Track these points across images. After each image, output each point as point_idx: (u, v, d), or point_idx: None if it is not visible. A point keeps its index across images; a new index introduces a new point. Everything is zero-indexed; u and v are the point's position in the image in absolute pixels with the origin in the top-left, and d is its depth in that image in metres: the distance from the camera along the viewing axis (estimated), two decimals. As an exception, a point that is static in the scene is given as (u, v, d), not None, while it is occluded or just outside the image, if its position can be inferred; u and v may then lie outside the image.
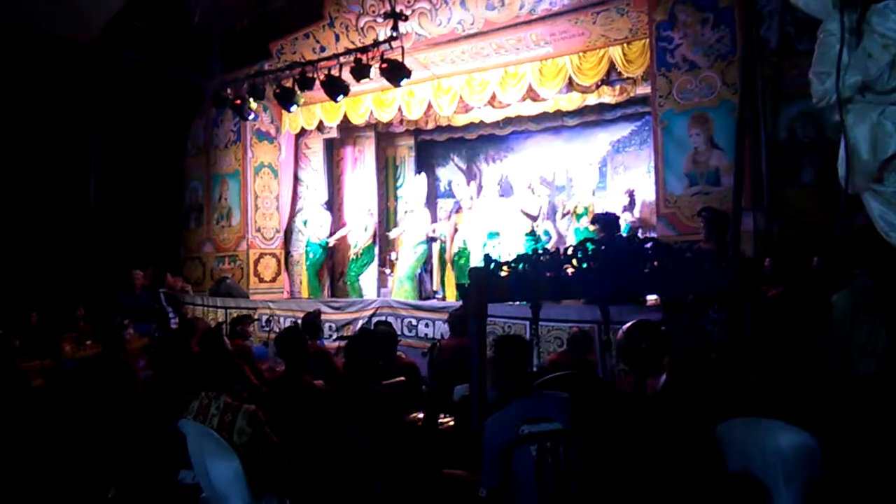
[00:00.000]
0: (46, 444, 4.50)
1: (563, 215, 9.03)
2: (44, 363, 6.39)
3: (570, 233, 8.46)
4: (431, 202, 9.84)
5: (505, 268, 3.66)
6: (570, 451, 2.85)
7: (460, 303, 5.82)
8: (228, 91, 8.61)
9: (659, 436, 3.24)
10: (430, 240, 9.07)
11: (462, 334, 4.80)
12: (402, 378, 4.36)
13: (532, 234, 8.34)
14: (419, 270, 9.06)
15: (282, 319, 8.46)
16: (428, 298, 8.87)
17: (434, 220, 9.62)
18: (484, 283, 3.61)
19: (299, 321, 6.18)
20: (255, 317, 8.28)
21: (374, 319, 7.46)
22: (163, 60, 9.68)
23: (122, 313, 7.62)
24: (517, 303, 5.93)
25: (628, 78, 7.75)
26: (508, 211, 8.65)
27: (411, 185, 9.24)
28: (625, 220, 8.22)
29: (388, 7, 7.50)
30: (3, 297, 7.99)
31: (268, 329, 8.25)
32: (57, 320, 7.75)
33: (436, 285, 9.25)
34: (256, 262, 10.05)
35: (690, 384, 3.43)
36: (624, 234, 7.45)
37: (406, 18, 7.52)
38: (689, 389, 3.40)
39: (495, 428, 2.85)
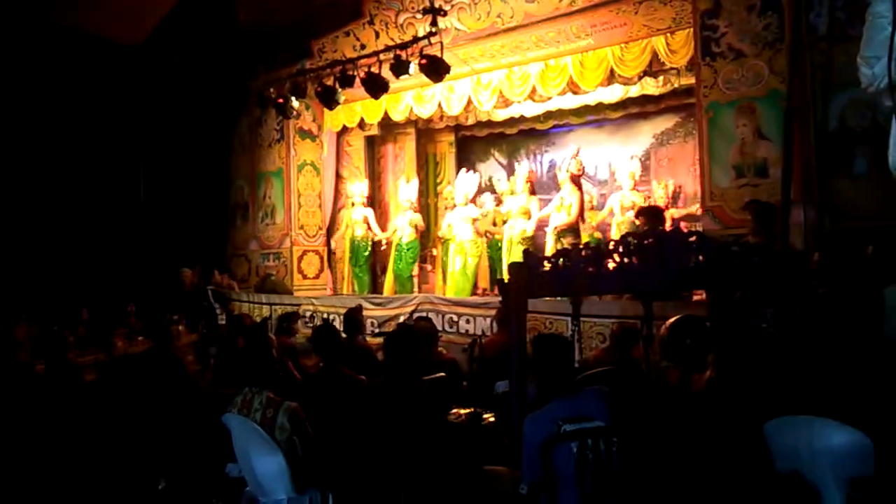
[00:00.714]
0: (99, 438, 4.64)
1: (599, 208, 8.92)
2: (97, 358, 6.58)
3: (617, 226, 8.32)
4: (473, 198, 9.83)
5: (545, 263, 3.63)
6: (612, 447, 2.82)
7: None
8: (271, 90, 8.73)
9: (704, 433, 3.17)
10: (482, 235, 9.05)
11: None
12: (443, 374, 4.37)
13: (572, 230, 8.23)
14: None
15: (325, 315, 8.56)
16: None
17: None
18: (523, 279, 3.59)
19: (340, 317, 6.23)
20: (301, 314, 8.38)
21: (416, 315, 7.49)
22: (209, 61, 9.89)
23: (172, 310, 7.82)
24: (559, 298, 5.87)
25: (672, 68, 7.58)
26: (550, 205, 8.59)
27: (461, 181, 9.18)
28: (670, 215, 8.07)
29: (427, 3, 7.51)
30: (56, 293, 8.28)
31: (311, 325, 8.35)
32: (108, 316, 7.98)
33: (481, 281, 9.22)
34: (300, 258, 10.19)
35: (737, 381, 3.35)
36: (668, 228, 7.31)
37: (445, 14, 7.50)
38: (735, 386, 3.33)
39: (535, 426, 2.83)
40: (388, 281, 9.74)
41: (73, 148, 9.22)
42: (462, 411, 4.10)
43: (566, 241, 7.87)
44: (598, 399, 2.90)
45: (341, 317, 8.10)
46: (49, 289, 8.43)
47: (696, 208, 7.91)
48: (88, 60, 8.97)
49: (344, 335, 5.50)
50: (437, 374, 4.23)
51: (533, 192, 8.73)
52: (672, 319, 4.09)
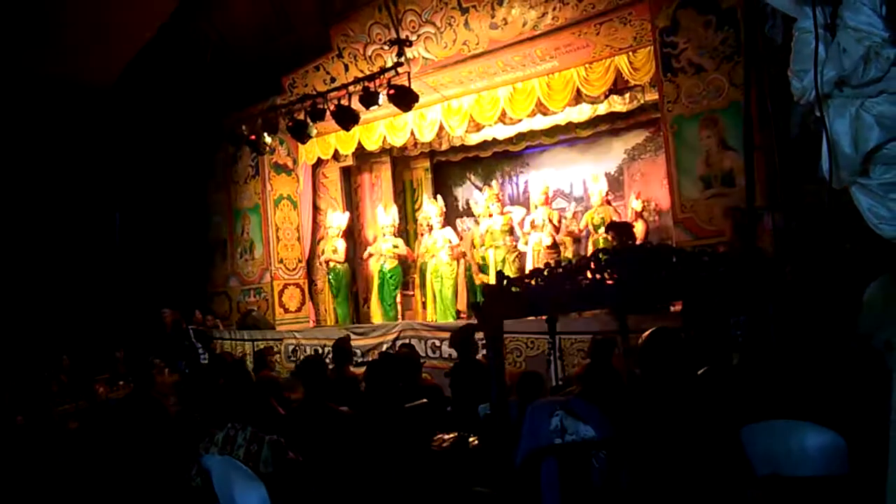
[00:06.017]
0: (82, 485, 4.58)
1: (579, 229, 9.03)
2: (78, 405, 6.51)
3: (592, 243, 8.43)
4: (451, 222, 9.93)
5: (518, 283, 3.66)
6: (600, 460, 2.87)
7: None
8: (243, 127, 8.77)
9: (684, 442, 3.20)
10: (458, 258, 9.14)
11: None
12: (425, 400, 4.37)
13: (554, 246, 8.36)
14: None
15: (307, 348, 8.53)
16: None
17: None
18: (497, 300, 3.61)
19: (323, 349, 6.23)
20: (277, 348, 8.36)
21: (398, 342, 7.49)
22: (180, 101, 9.94)
23: (152, 352, 7.76)
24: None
25: (637, 85, 7.75)
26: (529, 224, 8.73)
27: (429, 208, 9.34)
28: (642, 229, 8.17)
29: (393, 34, 7.62)
30: (36, 342, 8.19)
31: (295, 359, 8.32)
32: (89, 363, 7.90)
33: (460, 304, 9.25)
34: (281, 292, 10.17)
35: (713, 389, 3.40)
36: (639, 243, 7.41)
37: (411, 44, 7.62)
38: (711, 395, 3.37)
39: (537, 411, 2.97)
40: (374, 308, 9.75)
41: (47, 194, 9.20)
42: (446, 436, 4.09)
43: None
44: (596, 412, 2.98)
45: (325, 348, 8.11)
46: (27, 337, 8.33)
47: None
48: (58, 105, 8.99)
49: (332, 366, 5.52)
50: (419, 401, 4.23)
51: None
52: (647, 332, 4.14)
